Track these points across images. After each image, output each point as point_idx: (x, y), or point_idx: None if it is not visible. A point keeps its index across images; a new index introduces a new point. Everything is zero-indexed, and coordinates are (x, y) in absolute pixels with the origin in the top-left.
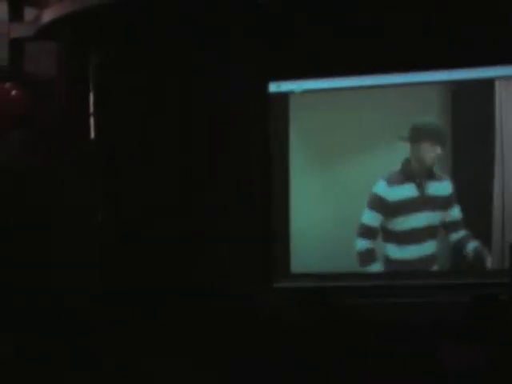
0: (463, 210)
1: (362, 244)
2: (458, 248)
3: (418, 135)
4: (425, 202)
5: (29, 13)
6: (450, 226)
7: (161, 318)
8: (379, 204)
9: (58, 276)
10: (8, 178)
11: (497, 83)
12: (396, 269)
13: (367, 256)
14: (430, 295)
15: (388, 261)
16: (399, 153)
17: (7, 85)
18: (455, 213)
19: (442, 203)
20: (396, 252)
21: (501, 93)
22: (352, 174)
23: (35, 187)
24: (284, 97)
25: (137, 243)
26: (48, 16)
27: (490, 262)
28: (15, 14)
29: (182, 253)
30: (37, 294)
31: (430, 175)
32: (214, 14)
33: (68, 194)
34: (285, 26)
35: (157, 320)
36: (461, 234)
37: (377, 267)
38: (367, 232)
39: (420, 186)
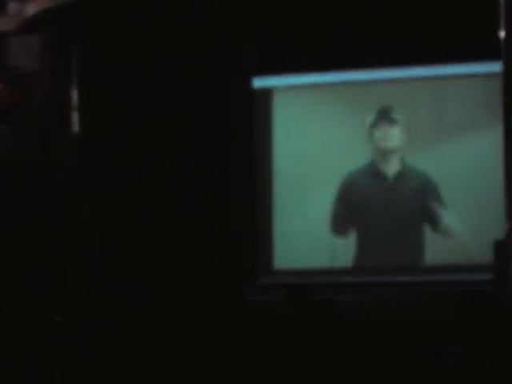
0: None
1: None
2: None
3: None
4: None
5: (12, 6)
6: None
7: (154, 316)
8: None
9: (52, 271)
10: None
11: None
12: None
13: None
14: (418, 291)
15: None
16: None
17: None
18: None
19: None
20: None
21: None
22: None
23: (23, 181)
24: (268, 92)
25: (123, 236)
26: (31, 9)
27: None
28: None
29: (168, 251)
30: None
31: None
32: (200, 8)
33: (56, 187)
34: (271, 20)
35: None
36: None
37: None
38: None
39: None
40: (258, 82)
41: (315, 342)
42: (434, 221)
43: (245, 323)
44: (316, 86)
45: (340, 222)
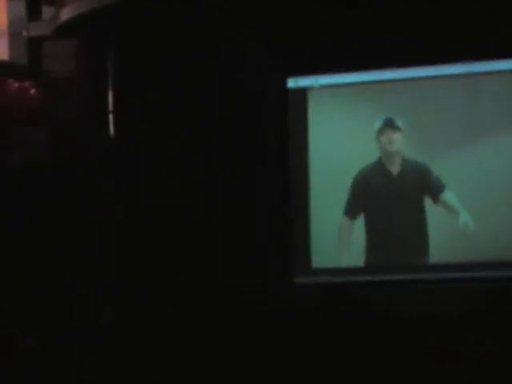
0: None
1: None
2: None
3: None
4: None
5: (47, 11)
6: None
7: (179, 314)
8: None
9: (74, 276)
10: (25, 176)
11: None
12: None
13: None
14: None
15: None
16: None
17: (26, 83)
18: None
19: None
20: None
21: None
22: None
23: (51, 185)
24: (302, 92)
25: (154, 242)
26: (66, 14)
27: None
28: (33, 12)
29: (201, 249)
30: (50, 294)
31: None
32: (231, 10)
33: (84, 192)
34: (303, 21)
35: (175, 317)
36: None
37: None
38: None
39: None
40: (293, 82)
41: (352, 341)
42: (435, 197)
43: (281, 323)
44: (349, 84)
45: (352, 209)
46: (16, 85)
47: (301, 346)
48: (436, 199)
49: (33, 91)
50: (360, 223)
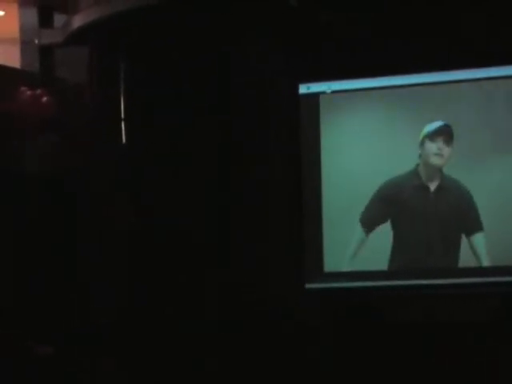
0: None
1: None
2: None
3: None
4: None
5: (58, 19)
6: None
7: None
8: None
9: (88, 287)
10: (39, 184)
11: None
12: None
13: None
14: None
15: None
16: None
17: (38, 91)
18: None
19: None
20: None
21: None
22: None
23: (66, 193)
24: (314, 97)
25: (168, 252)
26: (78, 22)
27: None
28: (45, 20)
29: (214, 256)
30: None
31: None
32: (242, 16)
33: (99, 200)
34: (313, 27)
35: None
36: None
37: None
38: None
39: None
40: (304, 88)
41: (367, 346)
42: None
43: (295, 328)
44: (364, 90)
45: (373, 220)
46: (28, 92)
47: (313, 353)
48: (467, 235)
49: (45, 99)
50: (383, 228)
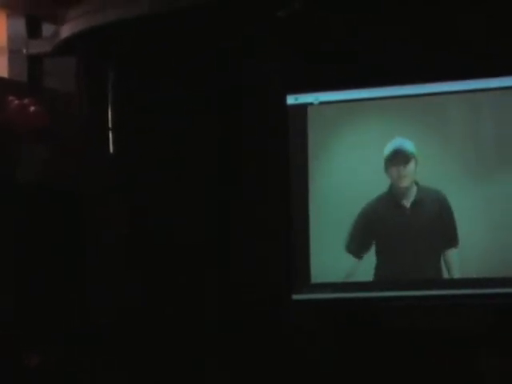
0: None
1: None
2: None
3: None
4: None
5: (47, 28)
6: None
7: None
8: None
9: (84, 293)
10: (32, 194)
11: None
12: None
13: None
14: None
15: None
16: None
17: (26, 100)
18: None
19: None
20: None
21: None
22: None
23: (59, 203)
24: (302, 108)
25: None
26: (66, 31)
27: None
28: (33, 29)
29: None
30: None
31: None
32: (230, 30)
33: (91, 209)
34: (302, 37)
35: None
36: None
37: None
38: None
39: None
40: (292, 99)
41: (355, 357)
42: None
43: (281, 339)
44: (351, 101)
45: (359, 248)
46: (16, 102)
47: (303, 363)
48: (444, 248)
49: (32, 108)
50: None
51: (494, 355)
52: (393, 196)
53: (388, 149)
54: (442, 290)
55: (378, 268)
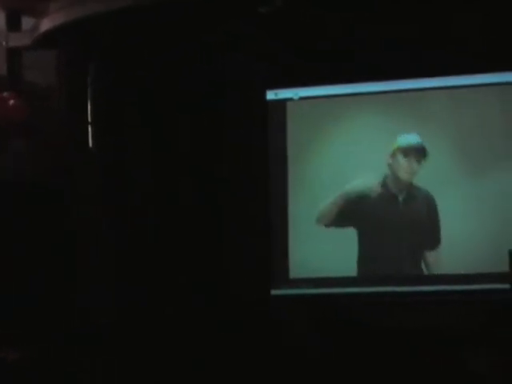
0: None
1: None
2: None
3: None
4: None
5: (27, 22)
6: None
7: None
8: None
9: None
10: (12, 190)
11: None
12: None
13: None
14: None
15: None
16: None
17: (5, 94)
18: None
19: None
20: None
21: None
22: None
23: (39, 199)
24: (282, 104)
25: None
26: (46, 25)
27: None
28: (13, 23)
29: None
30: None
31: None
32: (212, 24)
33: (72, 204)
34: (284, 34)
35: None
36: None
37: None
38: None
39: None
40: (272, 95)
41: (335, 354)
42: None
43: (262, 334)
44: (330, 97)
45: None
46: None
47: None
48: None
49: (12, 102)
50: (347, 234)
51: (484, 352)
52: (387, 188)
53: (405, 140)
54: (424, 285)
55: (360, 261)
